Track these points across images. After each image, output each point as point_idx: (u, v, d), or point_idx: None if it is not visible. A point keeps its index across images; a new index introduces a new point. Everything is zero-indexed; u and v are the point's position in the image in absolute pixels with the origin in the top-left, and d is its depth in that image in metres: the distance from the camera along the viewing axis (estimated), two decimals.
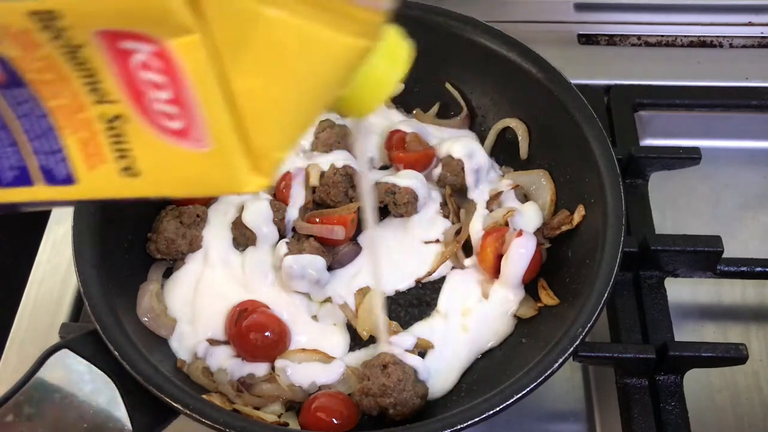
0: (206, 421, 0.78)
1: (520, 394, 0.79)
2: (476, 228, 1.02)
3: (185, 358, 0.94)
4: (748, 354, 0.90)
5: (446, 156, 1.07)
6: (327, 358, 0.94)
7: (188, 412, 0.78)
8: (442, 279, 1.02)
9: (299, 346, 0.95)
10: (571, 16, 1.34)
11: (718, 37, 1.33)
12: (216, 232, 1.02)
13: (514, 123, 1.09)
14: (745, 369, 0.96)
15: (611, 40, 1.34)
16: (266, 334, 0.93)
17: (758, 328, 1.05)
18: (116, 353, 0.81)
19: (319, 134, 1.05)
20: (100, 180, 0.51)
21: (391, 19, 0.55)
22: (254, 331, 0.93)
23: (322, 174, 1.03)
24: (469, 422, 0.77)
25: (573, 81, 1.02)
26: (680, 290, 1.05)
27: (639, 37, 1.34)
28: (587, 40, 1.34)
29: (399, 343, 0.95)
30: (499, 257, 0.97)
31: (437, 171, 1.07)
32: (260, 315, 0.94)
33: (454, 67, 1.12)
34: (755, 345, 1.03)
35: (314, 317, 0.98)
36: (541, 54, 1.04)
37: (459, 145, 1.06)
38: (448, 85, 1.14)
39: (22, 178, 0.54)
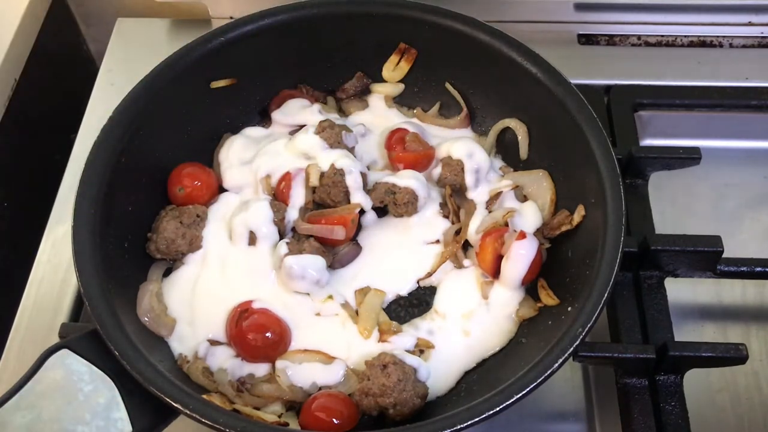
0: (206, 421, 0.78)
1: (520, 394, 0.79)
2: (476, 228, 1.02)
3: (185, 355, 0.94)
4: (748, 354, 0.90)
5: (446, 156, 1.07)
6: (327, 359, 0.94)
7: (188, 412, 0.78)
8: (442, 279, 1.02)
9: (300, 347, 0.95)
10: (571, 16, 1.34)
11: (718, 37, 1.33)
12: (216, 232, 1.02)
13: (514, 123, 1.09)
14: (745, 369, 0.96)
15: (611, 40, 1.34)
16: (266, 335, 0.93)
17: (758, 328, 1.05)
18: (116, 353, 0.81)
19: (320, 134, 1.05)
20: None
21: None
22: (254, 332, 0.93)
23: (322, 174, 1.03)
24: (469, 422, 0.77)
25: (573, 81, 1.01)
26: (680, 290, 1.05)
27: (639, 37, 1.34)
28: (587, 40, 1.34)
29: (399, 344, 0.95)
30: (499, 258, 0.97)
31: (437, 171, 1.07)
32: (260, 316, 0.94)
33: (455, 67, 1.12)
34: (755, 345, 1.03)
35: (317, 314, 0.98)
36: (541, 54, 1.04)
37: (459, 145, 1.06)
38: (448, 85, 1.14)
39: None
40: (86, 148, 0.95)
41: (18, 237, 1.27)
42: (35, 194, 1.25)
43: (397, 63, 1.14)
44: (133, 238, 0.99)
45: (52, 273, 1.10)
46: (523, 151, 1.09)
